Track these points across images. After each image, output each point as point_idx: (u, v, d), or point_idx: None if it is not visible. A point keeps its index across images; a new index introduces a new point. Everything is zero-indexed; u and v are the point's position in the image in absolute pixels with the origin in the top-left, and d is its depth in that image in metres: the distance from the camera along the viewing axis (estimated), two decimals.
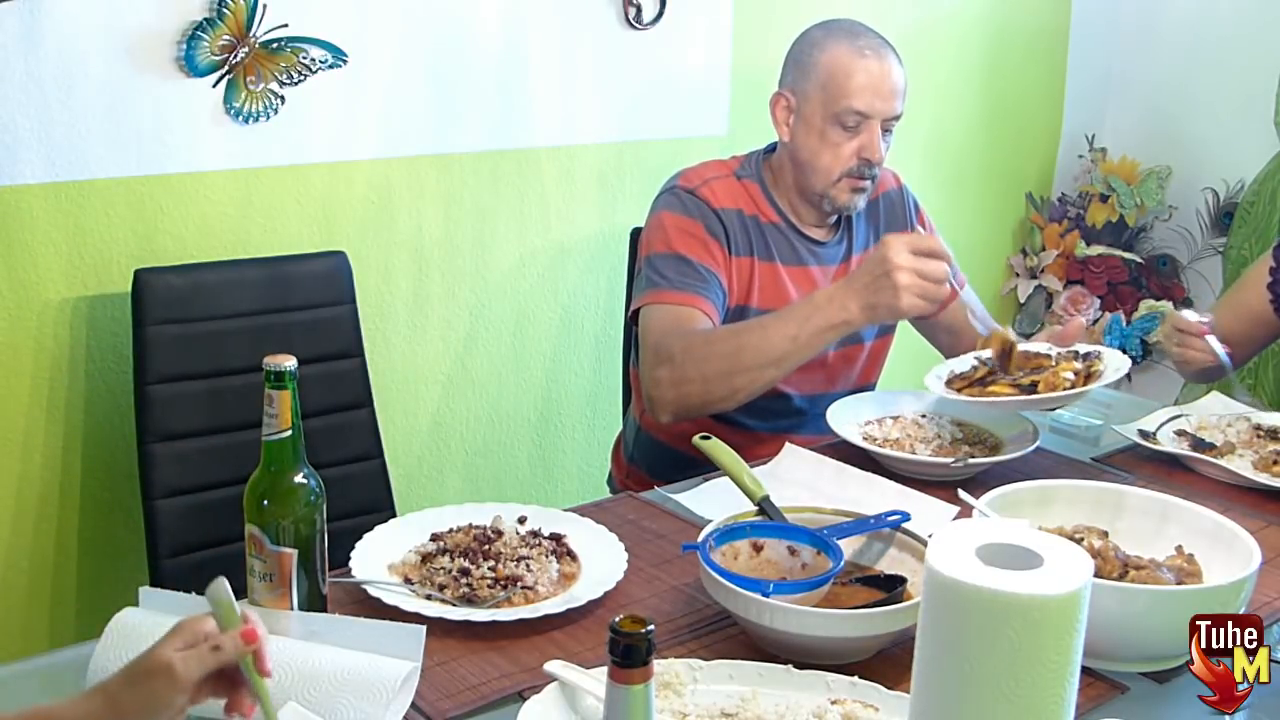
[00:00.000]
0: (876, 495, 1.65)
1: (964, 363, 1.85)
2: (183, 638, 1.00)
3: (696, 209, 1.94)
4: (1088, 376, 1.73)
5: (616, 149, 2.58)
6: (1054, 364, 1.76)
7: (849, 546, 1.39)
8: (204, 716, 1.11)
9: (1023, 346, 1.83)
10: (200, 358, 1.96)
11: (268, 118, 2.10)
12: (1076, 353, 1.80)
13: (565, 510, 1.55)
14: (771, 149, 2.05)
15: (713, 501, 1.62)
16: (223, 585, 1.03)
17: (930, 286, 1.66)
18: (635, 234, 2.28)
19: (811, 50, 1.94)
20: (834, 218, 2.02)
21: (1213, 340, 1.91)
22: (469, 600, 1.33)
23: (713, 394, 1.78)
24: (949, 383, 1.81)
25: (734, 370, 1.75)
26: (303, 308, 2.07)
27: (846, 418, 1.85)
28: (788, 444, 1.81)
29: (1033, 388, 1.71)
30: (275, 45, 2.07)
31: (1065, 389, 1.70)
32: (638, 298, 1.93)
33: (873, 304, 1.68)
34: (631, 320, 1.95)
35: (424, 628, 1.19)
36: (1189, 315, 1.97)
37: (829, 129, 1.91)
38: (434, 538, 1.45)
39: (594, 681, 1.10)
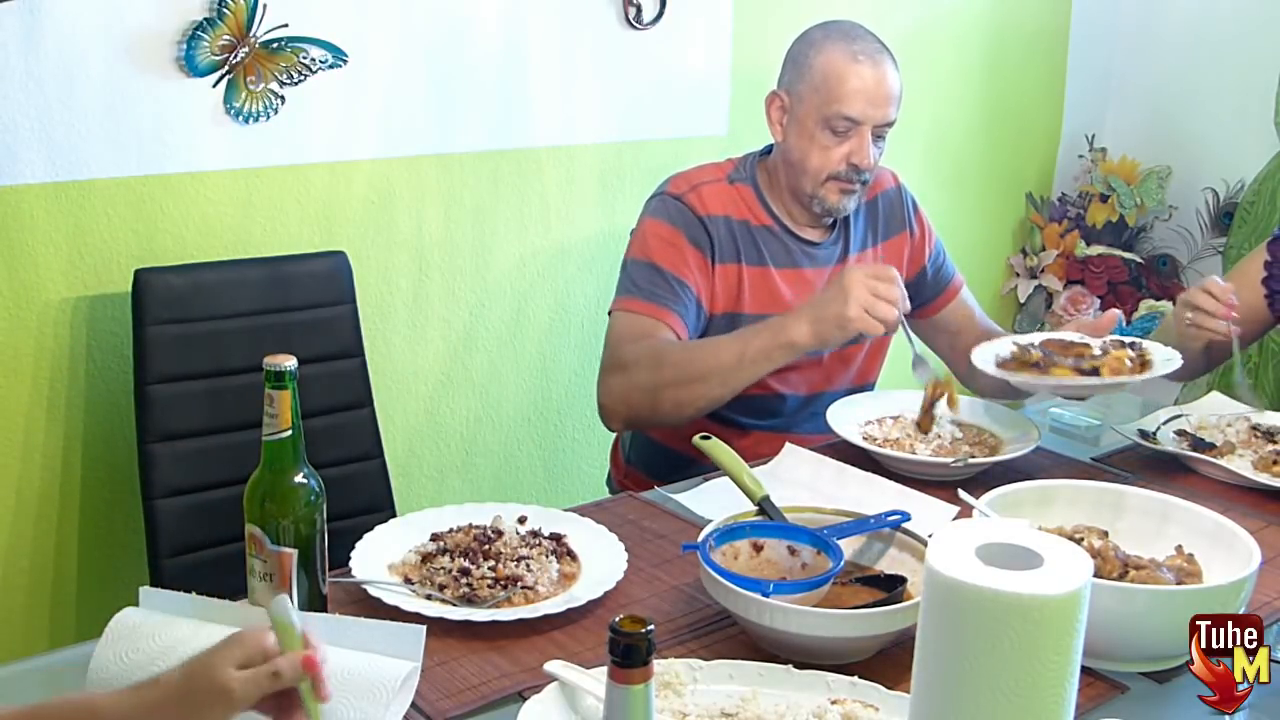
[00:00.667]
0: (876, 495, 1.65)
1: (1003, 346, 1.85)
2: (243, 651, 0.96)
3: (681, 217, 1.94)
4: (1143, 364, 1.75)
5: (616, 149, 2.58)
6: (1100, 352, 1.76)
7: (849, 546, 1.39)
8: None
9: (1057, 335, 1.83)
10: (200, 358, 1.96)
11: (268, 118, 2.10)
12: (1121, 342, 1.80)
13: (565, 510, 1.55)
14: (768, 151, 2.05)
15: (713, 501, 1.62)
16: (284, 603, 0.99)
17: (879, 304, 1.65)
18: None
19: (808, 51, 1.93)
20: (829, 219, 2.02)
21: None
22: (469, 600, 1.33)
23: (660, 406, 1.80)
24: (1001, 365, 1.81)
25: (681, 382, 1.77)
26: (303, 308, 2.07)
27: (846, 417, 1.86)
28: (788, 444, 1.81)
29: (1094, 372, 1.72)
30: (275, 45, 2.07)
31: (1129, 374, 1.71)
32: (613, 300, 1.94)
33: (821, 318, 1.68)
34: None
35: (424, 628, 1.19)
36: (1219, 281, 1.91)
37: (819, 132, 1.90)
38: (434, 538, 1.45)
39: (594, 681, 1.10)
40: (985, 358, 1.82)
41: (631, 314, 1.88)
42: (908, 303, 1.70)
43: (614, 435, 2.27)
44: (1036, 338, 1.84)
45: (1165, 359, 1.76)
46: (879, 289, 1.66)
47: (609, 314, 1.93)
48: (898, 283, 1.68)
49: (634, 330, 1.86)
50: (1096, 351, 1.77)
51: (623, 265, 1.98)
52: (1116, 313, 1.89)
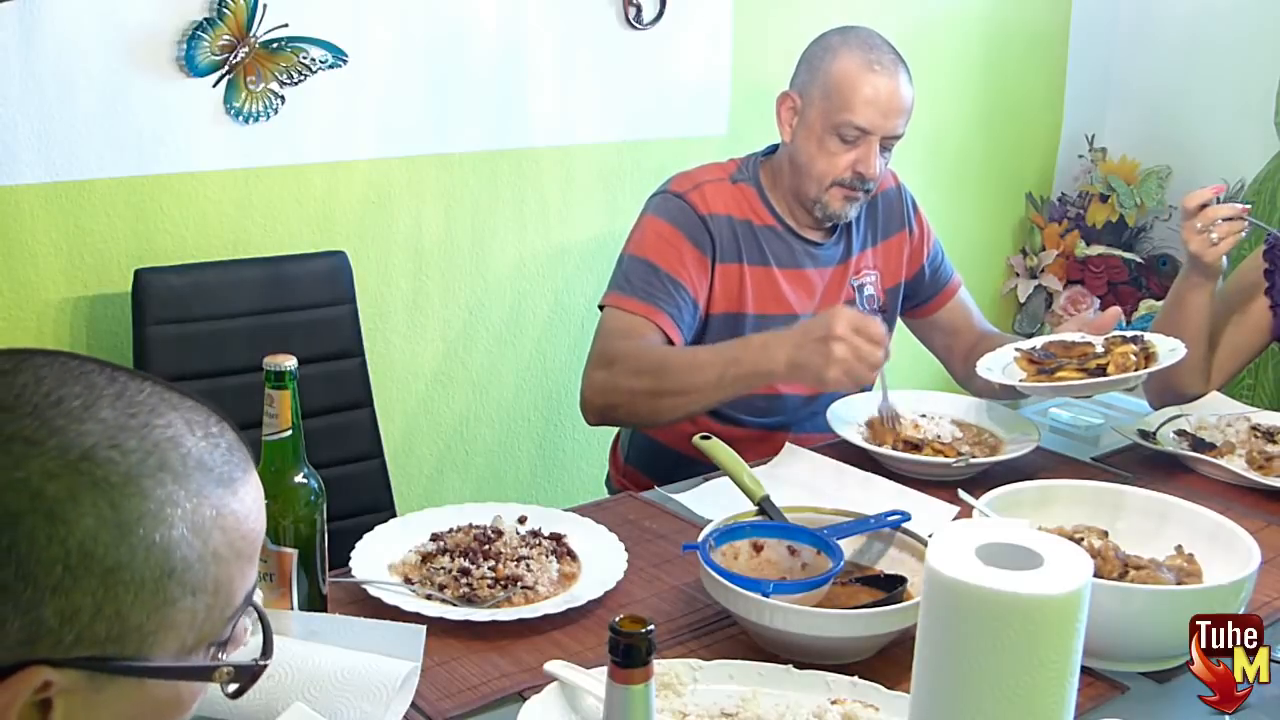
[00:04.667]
0: (876, 495, 1.65)
1: (1005, 356, 1.84)
2: None
3: (682, 216, 1.94)
4: (1147, 358, 1.74)
5: (616, 149, 2.58)
6: (1102, 350, 1.76)
7: (849, 546, 1.39)
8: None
9: (1059, 337, 1.83)
10: (200, 358, 1.96)
11: (268, 118, 2.10)
12: (1124, 337, 1.79)
13: (565, 510, 1.55)
14: (770, 151, 2.05)
15: (713, 501, 1.62)
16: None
17: (860, 367, 1.63)
18: None
19: (824, 56, 1.93)
20: (829, 224, 2.01)
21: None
22: (469, 600, 1.33)
23: (637, 409, 1.81)
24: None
25: (659, 392, 1.77)
26: (303, 308, 2.07)
27: (846, 417, 1.85)
28: (788, 444, 1.81)
29: (1100, 370, 1.71)
30: (275, 45, 2.07)
31: (1134, 369, 1.70)
32: (605, 293, 1.94)
33: (800, 364, 1.66)
34: (601, 310, 1.95)
35: (424, 628, 1.19)
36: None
37: (828, 138, 1.90)
38: (434, 538, 1.45)
39: (594, 681, 1.10)
40: (990, 366, 1.82)
41: (623, 311, 1.88)
42: (889, 354, 1.67)
43: (613, 435, 2.27)
44: (1039, 341, 1.84)
45: (1170, 350, 1.75)
46: (863, 351, 1.62)
47: (600, 306, 1.93)
48: (883, 342, 1.64)
49: (624, 328, 1.86)
50: (1099, 350, 1.77)
51: (619, 259, 1.97)
52: (1117, 310, 1.89)
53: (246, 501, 0.74)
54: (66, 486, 0.66)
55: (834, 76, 1.89)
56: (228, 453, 0.74)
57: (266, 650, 0.80)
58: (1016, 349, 1.83)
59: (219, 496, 0.72)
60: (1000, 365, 1.82)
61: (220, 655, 0.74)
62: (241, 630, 0.77)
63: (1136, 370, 1.70)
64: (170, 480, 0.70)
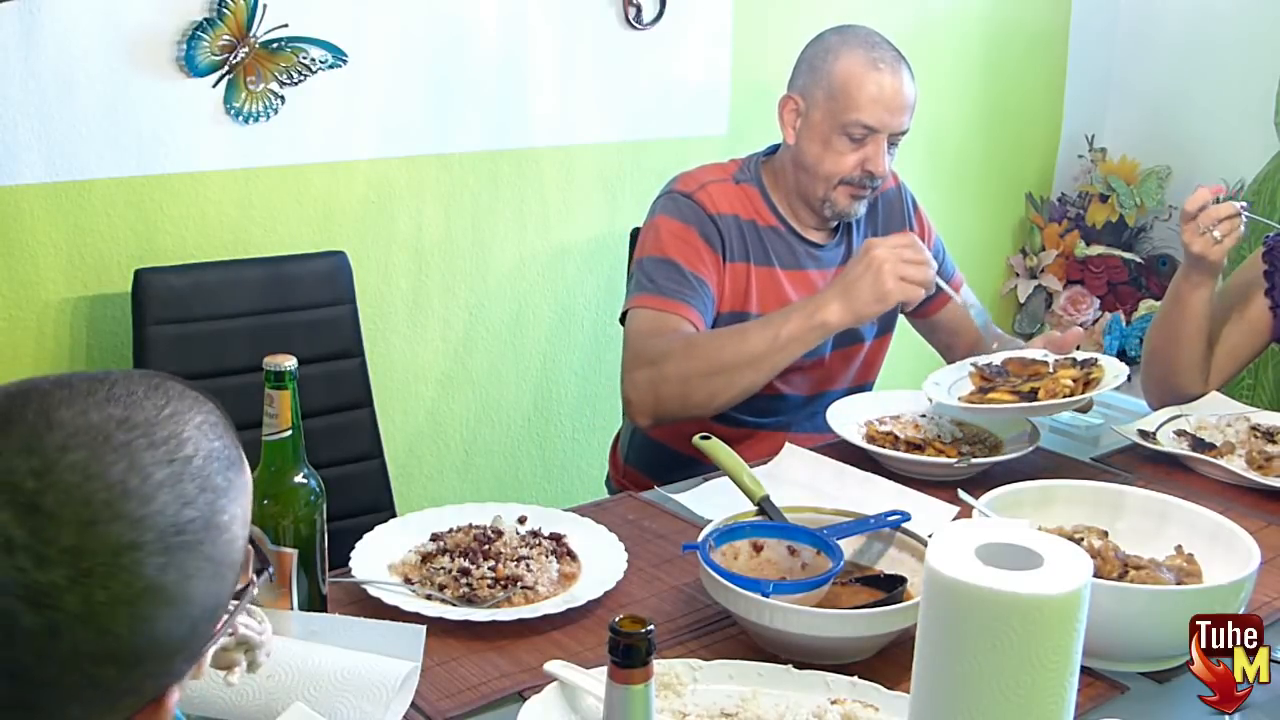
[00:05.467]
0: (876, 495, 1.65)
1: (959, 370, 1.84)
2: None
3: (693, 214, 1.94)
4: (1086, 383, 1.73)
5: (616, 149, 2.58)
6: (1052, 371, 1.76)
7: (849, 546, 1.39)
8: (203, 716, 1.12)
9: (1019, 353, 1.83)
10: (200, 358, 1.96)
11: (268, 118, 2.10)
12: (1074, 359, 1.78)
13: (565, 510, 1.55)
14: (770, 151, 2.05)
15: (713, 501, 1.62)
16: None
17: (913, 269, 1.68)
18: (635, 234, 2.28)
19: (826, 56, 1.92)
20: (835, 222, 2.01)
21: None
22: (469, 600, 1.33)
23: (691, 396, 1.77)
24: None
25: (712, 372, 1.75)
26: (303, 308, 2.07)
27: (846, 417, 1.85)
28: (788, 444, 1.81)
29: (1033, 394, 1.71)
30: (275, 45, 2.07)
31: (1065, 395, 1.70)
32: (626, 300, 1.93)
33: (854, 295, 1.70)
34: (621, 322, 1.95)
35: (424, 628, 1.19)
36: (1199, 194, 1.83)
37: (835, 138, 1.90)
38: (434, 538, 1.45)
39: (594, 681, 1.10)
40: (939, 381, 1.79)
41: (651, 310, 1.86)
42: (934, 261, 1.73)
43: (613, 435, 2.27)
44: (999, 356, 1.83)
45: (1114, 374, 1.72)
46: (906, 254, 1.69)
47: (624, 313, 1.92)
48: (921, 245, 1.72)
49: (655, 326, 1.84)
50: (1051, 370, 1.77)
51: (637, 264, 1.96)
52: (1079, 331, 1.87)
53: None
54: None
55: (838, 77, 1.89)
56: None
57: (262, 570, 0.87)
58: (973, 364, 1.82)
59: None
60: (950, 380, 1.81)
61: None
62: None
63: (1069, 396, 1.69)
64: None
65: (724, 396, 1.78)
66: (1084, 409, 1.92)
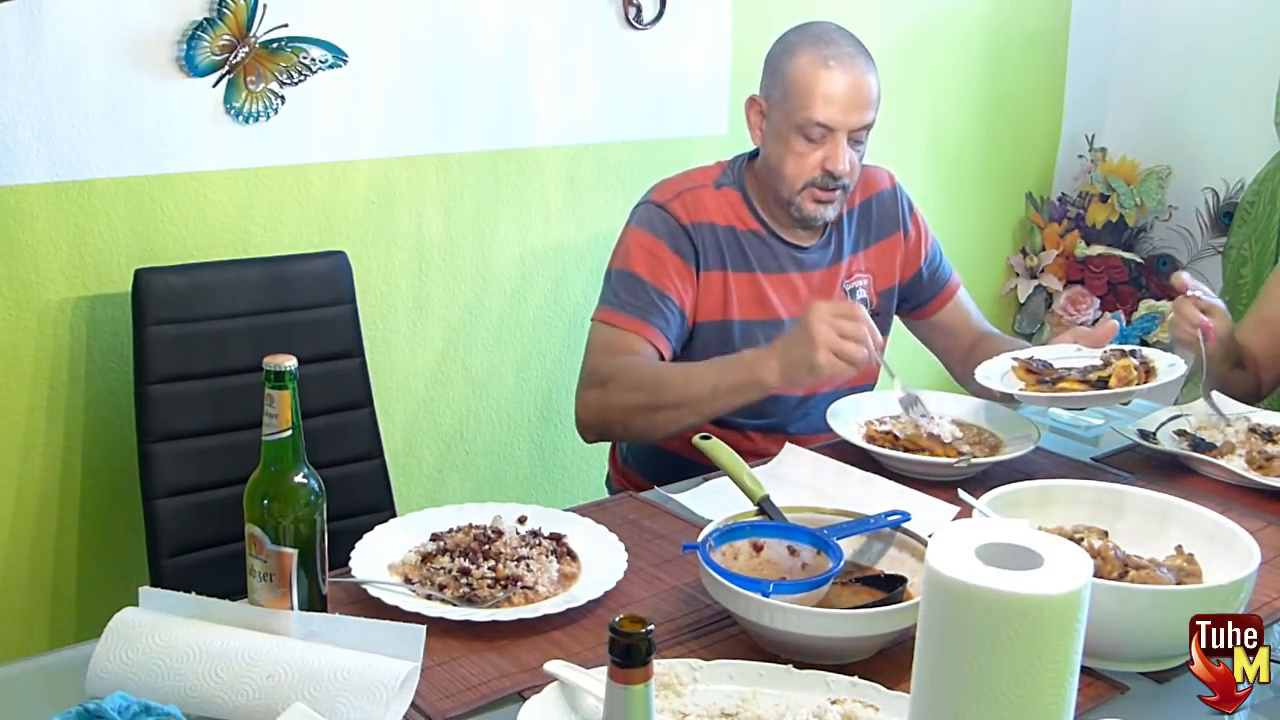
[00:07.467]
0: (876, 495, 1.65)
1: (1003, 364, 1.86)
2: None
3: (664, 226, 1.93)
4: (1148, 372, 1.77)
5: (616, 149, 2.58)
6: (1103, 364, 1.79)
7: (849, 546, 1.39)
8: (203, 716, 1.12)
9: (1048, 351, 1.86)
10: (200, 358, 1.96)
11: (268, 118, 2.10)
12: (1122, 350, 1.82)
13: (565, 510, 1.55)
14: (756, 154, 2.05)
15: (713, 501, 1.62)
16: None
17: (846, 345, 1.62)
18: None
19: (782, 56, 1.92)
20: (806, 226, 2.00)
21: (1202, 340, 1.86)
22: (469, 600, 1.33)
23: (633, 426, 1.82)
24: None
25: (654, 407, 1.78)
26: (303, 308, 2.07)
27: (847, 417, 1.86)
28: (788, 444, 1.81)
29: (1102, 384, 1.75)
30: (275, 45, 2.07)
31: (1136, 383, 1.73)
32: (595, 309, 1.94)
33: (790, 361, 1.67)
34: None
35: (424, 628, 1.19)
36: (1195, 294, 1.89)
37: (794, 139, 1.89)
38: (434, 538, 1.45)
39: (594, 681, 1.10)
40: (989, 374, 1.84)
41: (611, 327, 1.88)
42: (879, 335, 1.66)
43: None
44: (1034, 351, 1.86)
45: (1169, 364, 1.79)
46: (845, 328, 1.62)
47: (591, 321, 1.93)
48: (864, 319, 1.64)
49: (613, 344, 1.87)
50: (1097, 362, 1.79)
51: (606, 274, 1.97)
52: (1114, 322, 1.89)
53: None
54: None
55: (790, 76, 1.88)
56: None
57: None
58: (1014, 358, 1.85)
59: None
60: (998, 374, 1.85)
61: None
62: None
63: (1138, 385, 1.72)
64: None
65: (665, 430, 1.80)
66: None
